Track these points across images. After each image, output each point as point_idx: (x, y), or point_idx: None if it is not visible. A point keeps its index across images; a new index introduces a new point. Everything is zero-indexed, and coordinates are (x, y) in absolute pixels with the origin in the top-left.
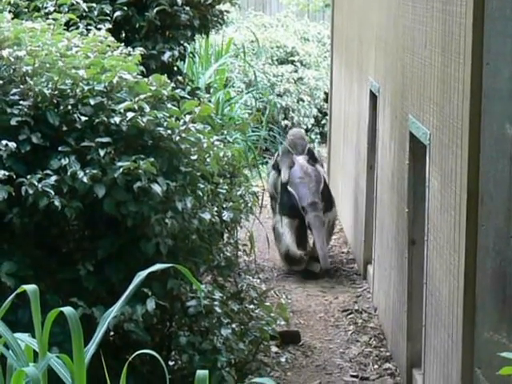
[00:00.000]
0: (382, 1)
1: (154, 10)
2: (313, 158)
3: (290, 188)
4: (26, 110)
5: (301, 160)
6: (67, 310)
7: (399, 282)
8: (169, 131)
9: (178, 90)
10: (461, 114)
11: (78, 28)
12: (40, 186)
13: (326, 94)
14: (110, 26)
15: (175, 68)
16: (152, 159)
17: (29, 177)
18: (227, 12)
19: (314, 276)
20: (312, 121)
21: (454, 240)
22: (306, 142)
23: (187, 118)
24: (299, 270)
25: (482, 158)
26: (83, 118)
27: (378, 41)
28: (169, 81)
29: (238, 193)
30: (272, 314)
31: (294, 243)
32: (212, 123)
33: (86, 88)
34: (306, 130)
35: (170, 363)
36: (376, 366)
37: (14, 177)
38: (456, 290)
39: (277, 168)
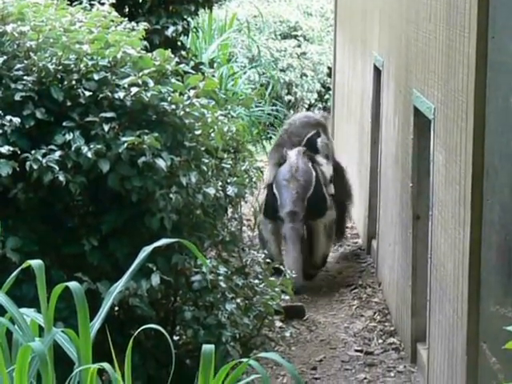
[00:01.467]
0: None
1: None
2: (314, 149)
3: (274, 189)
4: (30, 85)
5: (293, 157)
6: (72, 284)
7: (403, 257)
8: (173, 106)
9: (181, 65)
10: (466, 87)
11: (81, 3)
12: (44, 161)
13: (329, 68)
14: (114, 1)
15: (179, 43)
16: (156, 134)
17: (33, 152)
18: None
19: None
20: (315, 96)
21: (458, 214)
22: (308, 131)
23: (191, 92)
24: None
25: (487, 131)
26: (87, 93)
27: (382, 15)
28: (172, 56)
29: (243, 168)
30: (276, 289)
31: (279, 252)
32: (216, 98)
33: (90, 63)
34: (310, 105)
35: (175, 338)
36: (380, 341)
37: (19, 152)
38: (461, 265)
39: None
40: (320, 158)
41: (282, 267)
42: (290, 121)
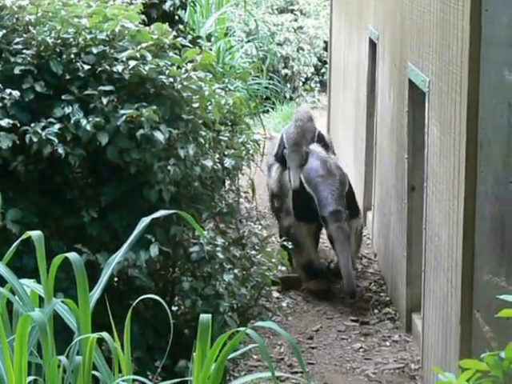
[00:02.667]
0: None
1: None
2: (325, 146)
3: (308, 188)
4: (29, 58)
5: (319, 152)
6: (72, 255)
7: (399, 228)
8: (171, 79)
9: (179, 39)
10: (460, 60)
11: None
12: (44, 133)
13: (325, 42)
14: None
15: (176, 17)
16: (154, 107)
17: (33, 125)
18: None
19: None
20: (312, 69)
21: (453, 186)
22: (315, 125)
23: (189, 66)
24: (318, 289)
25: (481, 104)
26: (86, 67)
27: None
28: (170, 29)
29: (240, 140)
30: (273, 260)
31: (317, 255)
32: (213, 71)
33: (89, 37)
34: (306, 79)
35: (174, 308)
36: (376, 311)
37: (18, 125)
38: (455, 235)
39: (281, 160)
40: (332, 155)
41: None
42: (299, 117)
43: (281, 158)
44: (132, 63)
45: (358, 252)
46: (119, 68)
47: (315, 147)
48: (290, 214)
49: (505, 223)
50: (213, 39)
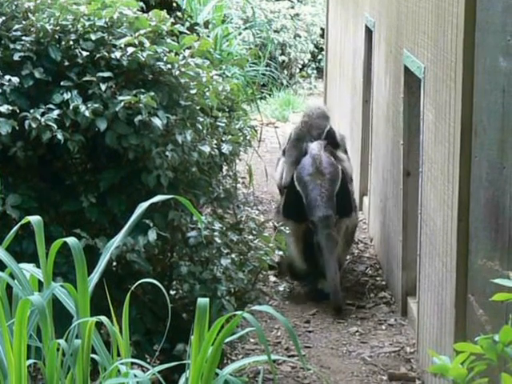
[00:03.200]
0: None
1: None
2: (333, 144)
3: (298, 187)
4: (28, 45)
5: (315, 149)
6: (71, 240)
7: (394, 213)
8: (168, 66)
9: (177, 26)
10: (455, 47)
11: None
12: (43, 119)
13: (322, 29)
14: None
15: (174, 4)
16: (152, 93)
17: (32, 111)
18: None
19: (324, 296)
20: (308, 56)
21: (448, 171)
22: (326, 123)
23: (186, 52)
24: (309, 290)
25: (476, 90)
26: (84, 53)
27: None
28: (168, 16)
29: (237, 126)
30: (270, 245)
31: (301, 256)
32: (211, 58)
33: (87, 23)
34: (303, 66)
35: (172, 292)
36: (372, 295)
37: (18, 111)
38: (450, 220)
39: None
40: (341, 154)
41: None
42: (307, 112)
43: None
44: (130, 50)
45: (347, 251)
46: (117, 54)
47: (315, 144)
48: (280, 211)
49: (499, 208)
50: (210, 26)
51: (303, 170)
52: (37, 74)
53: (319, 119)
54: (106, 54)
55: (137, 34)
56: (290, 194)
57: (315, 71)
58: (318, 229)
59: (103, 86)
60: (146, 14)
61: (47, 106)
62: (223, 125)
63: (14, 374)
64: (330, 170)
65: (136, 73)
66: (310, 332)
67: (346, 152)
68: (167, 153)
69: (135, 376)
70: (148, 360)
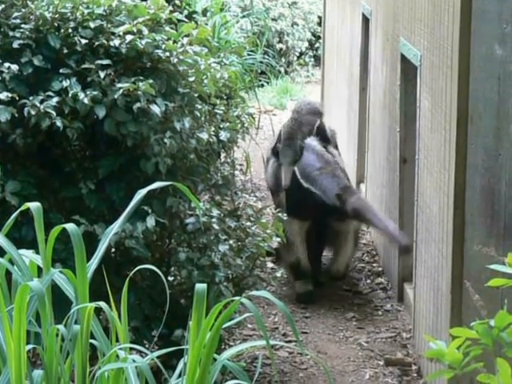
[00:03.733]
0: None
1: None
2: (323, 139)
3: (305, 184)
4: (27, 33)
5: (315, 146)
6: (70, 226)
7: (391, 200)
8: (167, 53)
9: (175, 14)
10: (451, 35)
11: None
12: (42, 107)
13: (319, 17)
14: None
15: None
16: (151, 81)
17: (31, 98)
18: None
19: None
20: (306, 44)
21: (444, 158)
22: (316, 119)
23: (185, 40)
24: (304, 291)
25: (472, 78)
26: (83, 41)
27: None
28: (166, 4)
29: (235, 113)
30: (268, 231)
31: (306, 254)
32: (209, 46)
33: (86, 11)
34: (301, 54)
35: (170, 278)
36: (368, 281)
37: (17, 98)
38: (446, 207)
39: (277, 154)
40: (332, 149)
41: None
42: (296, 108)
43: (277, 152)
44: (129, 37)
45: (355, 252)
46: (116, 42)
47: (311, 141)
48: (282, 210)
49: (494, 195)
50: (208, 14)
51: (309, 167)
52: (36, 62)
53: (309, 115)
54: (105, 41)
55: (135, 21)
56: (294, 193)
57: (313, 59)
58: (346, 198)
59: (102, 74)
60: (144, 2)
61: (46, 94)
62: (221, 112)
63: (14, 359)
64: (335, 161)
65: (135, 60)
66: (307, 318)
67: (336, 147)
68: (165, 140)
69: (134, 361)
70: (146, 345)
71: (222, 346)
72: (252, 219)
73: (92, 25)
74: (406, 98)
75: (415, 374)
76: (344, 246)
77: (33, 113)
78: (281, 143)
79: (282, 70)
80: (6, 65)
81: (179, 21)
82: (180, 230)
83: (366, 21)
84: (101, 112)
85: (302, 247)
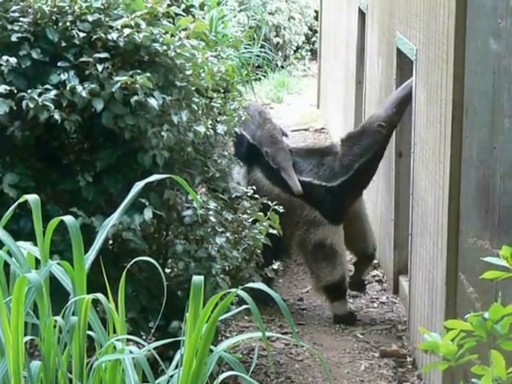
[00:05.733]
0: None
1: None
2: (284, 133)
3: (335, 182)
4: (26, 26)
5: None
6: (68, 218)
7: (387, 193)
8: (164, 47)
9: (173, 8)
10: (446, 30)
11: None
12: (40, 100)
13: (316, 12)
14: None
15: None
16: (148, 74)
17: (29, 91)
18: None
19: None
20: (302, 38)
21: (439, 151)
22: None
23: (182, 34)
24: (345, 312)
25: (467, 72)
26: (81, 34)
27: None
28: None
29: (232, 107)
30: (264, 224)
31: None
32: (206, 40)
33: (84, 5)
34: (297, 47)
35: (167, 270)
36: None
37: (15, 91)
38: (441, 200)
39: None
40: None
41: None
42: (264, 115)
43: (246, 157)
44: (126, 31)
45: None
46: (114, 36)
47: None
48: (319, 224)
49: (489, 188)
50: (206, 8)
51: (331, 170)
52: (34, 55)
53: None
54: (103, 35)
55: (133, 15)
56: (329, 197)
57: (309, 53)
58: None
59: (100, 67)
60: None
61: (44, 87)
62: (218, 105)
63: (12, 351)
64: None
65: (132, 54)
66: (303, 310)
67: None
68: (163, 133)
69: (131, 352)
70: (143, 337)
71: (219, 338)
72: (248, 212)
73: (90, 18)
74: None
75: (410, 366)
76: (367, 224)
77: (31, 106)
78: (270, 148)
79: (279, 63)
80: (5, 58)
81: (177, 15)
82: (177, 222)
83: (362, 15)
84: (99, 105)
85: (345, 262)
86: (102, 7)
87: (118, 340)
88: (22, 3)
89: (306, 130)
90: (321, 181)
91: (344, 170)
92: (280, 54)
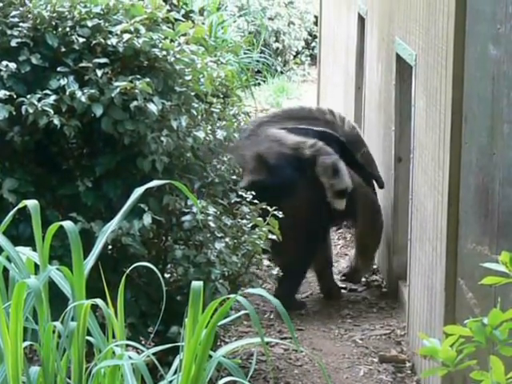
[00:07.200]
0: None
1: None
2: None
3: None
4: (25, 31)
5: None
6: (67, 224)
7: (386, 198)
8: (164, 52)
9: (172, 13)
10: (445, 35)
11: None
12: (40, 105)
13: (315, 17)
14: None
15: None
16: (148, 79)
17: (29, 96)
18: None
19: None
20: (302, 43)
21: (438, 157)
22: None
23: (182, 39)
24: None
25: (466, 77)
26: (81, 40)
27: None
28: (163, 4)
29: (231, 112)
30: (264, 229)
31: None
32: (205, 45)
33: (84, 10)
34: (297, 53)
35: (166, 275)
36: (363, 278)
37: (15, 96)
38: (440, 205)
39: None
40: None
41: None
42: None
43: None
44: (126, 36)
45: None
46: (113, 41)
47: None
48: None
49: (488, 194)
50: (205, 13)
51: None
52: (34, 60)
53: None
54: (103, 40)
55: (132, 20)
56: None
57: (309, 58)
58: None
59: (99, 72)
60: (141, 1)
61: (44, 92)
62: (218, 111)
63: (11, 356)
64: None
65: (132, 59)
66: (302, 315)
67: None
68: (162, 138)
69: (130, 358)
70: (143, 342)
71: (218, 343)
72: (248, 217)
73: (89, 23)
74: (401, 98)
75: (409, 371)
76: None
77: (30, 111)
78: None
79: (279, 68)
80: (4, 63)
81: (176, 20)
82: (176, 227)
83: (361, 20)
84: (98, 110)
85: None
86: (102, 12)
87: (117, 345)
88: (21, 8)
89: None
90: None
91: None
92: (279, 59)
